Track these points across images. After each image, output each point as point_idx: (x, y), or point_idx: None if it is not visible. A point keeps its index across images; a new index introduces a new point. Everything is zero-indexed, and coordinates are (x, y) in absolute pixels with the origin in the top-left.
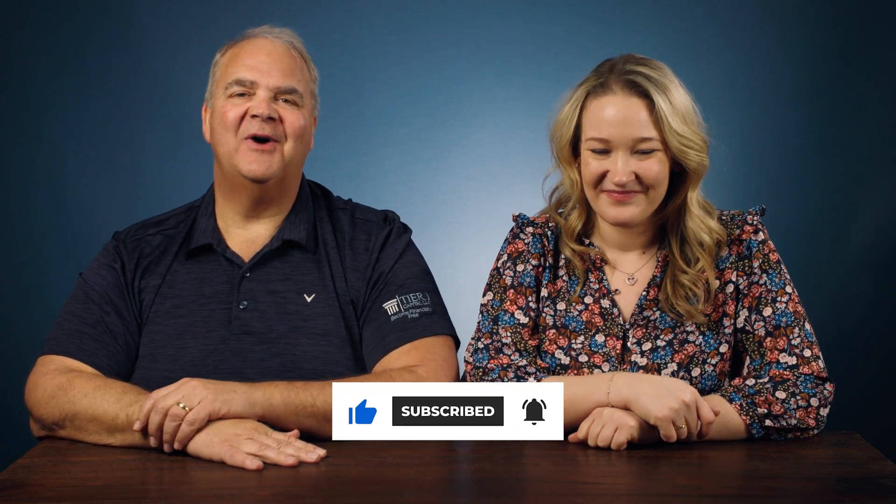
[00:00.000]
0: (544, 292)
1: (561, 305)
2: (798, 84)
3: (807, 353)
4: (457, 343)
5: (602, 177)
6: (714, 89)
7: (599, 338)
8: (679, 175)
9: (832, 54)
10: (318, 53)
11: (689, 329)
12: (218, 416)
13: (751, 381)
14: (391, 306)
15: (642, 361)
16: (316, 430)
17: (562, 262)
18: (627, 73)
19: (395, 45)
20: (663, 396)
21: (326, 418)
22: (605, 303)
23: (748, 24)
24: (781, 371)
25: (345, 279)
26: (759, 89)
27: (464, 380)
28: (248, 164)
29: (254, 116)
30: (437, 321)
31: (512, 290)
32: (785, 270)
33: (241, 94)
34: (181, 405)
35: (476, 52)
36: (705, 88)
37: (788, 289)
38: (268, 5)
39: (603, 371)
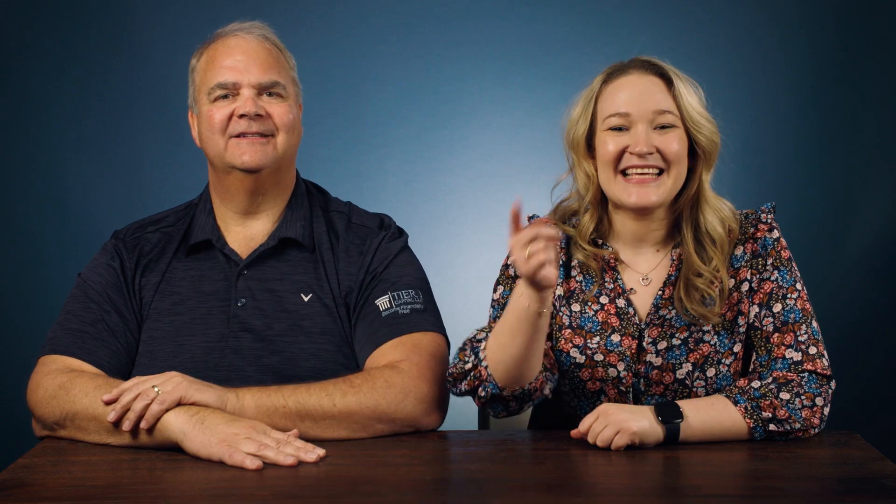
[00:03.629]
0: (559, 291)
1: (576, 307)
2: (798, 84)
3: (812, 350)
4: (447, 343)
5: (621, 154)
6: (714, 89)
7: (615, 337)
8: (692, 165)
9: (832, 54)
10: (318, 53)
11: (704, 328)
12: (189, 402)
13: (756, 384)
14: (383, 302)
15: (657, 361)
16: (302, 432)
17: (574, 262)
18: (643, 59)
19: (394, 45)
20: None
21: (301, 418)
22: (621, 302)
23: (748, 24)
24: (785, 371)
25: (338, 282)
26: (759, 89)
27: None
28: (239, 157)
29: (241, 116)
30: (427, 318)
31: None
32: (795, 268)
33: (225, 97)
34: (155, 388)
35: (476, 52)
36: (706, 88)
37: (798, 286)
38: (268, 5)
39: (618, 370)
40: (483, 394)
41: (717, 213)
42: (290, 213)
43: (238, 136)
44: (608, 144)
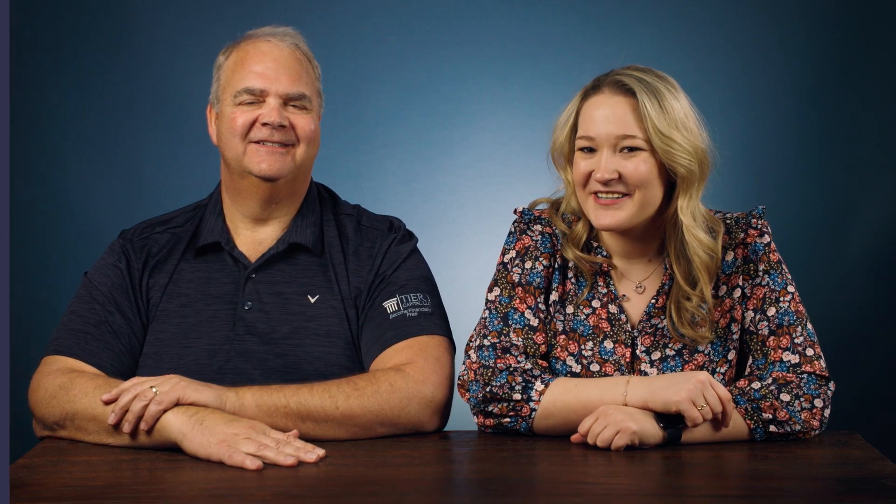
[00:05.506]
0: (554, 296)
1: (569, 309)
2: (798, 84)
3: (809, 351)
4: (453, 348)
5: (589, 177)
6: (714, 89)
7: (608, 344)
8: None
9: (832, 54)
10: (318, 53)
11: None
12: (187, 402)
13: (756, 385)
14: (391, 305)
15: (651, 372)
16: (303, 432)
17: (571, 264)
18: (619, 75)
19: (394, 45)
20: (678, 382)
21: (301, 419)
22: (613, 308)
23: (748, 24)
24: (784, 373)
25: (348, 283)
26: (759, 89)
27: (461, 379)
28: (258, 164)
29: (265, 124)
30: (435, 322)
31: (520, 288)
32: (786, 270)
33: (251, 102)
34: (153, 389)
35: (476, 52)
36: (705, 88)
37: (790, 288)
38: (268, 5)
39: None
40: (511, 425)
41: (696, 239)
42: (300, 220)
43: (258, 142)
44: (579, 165)
